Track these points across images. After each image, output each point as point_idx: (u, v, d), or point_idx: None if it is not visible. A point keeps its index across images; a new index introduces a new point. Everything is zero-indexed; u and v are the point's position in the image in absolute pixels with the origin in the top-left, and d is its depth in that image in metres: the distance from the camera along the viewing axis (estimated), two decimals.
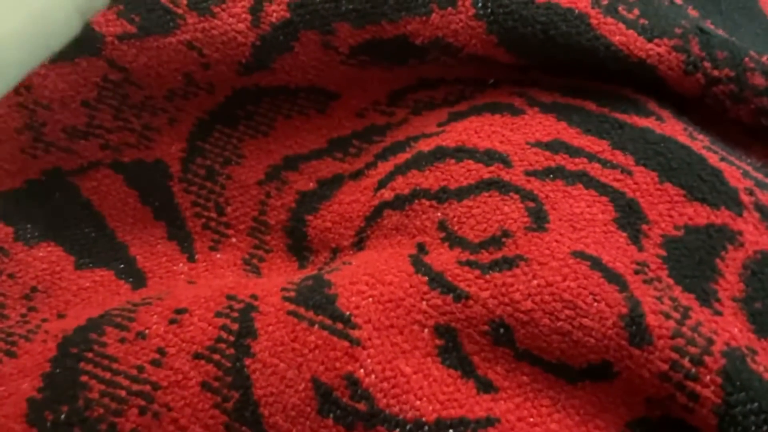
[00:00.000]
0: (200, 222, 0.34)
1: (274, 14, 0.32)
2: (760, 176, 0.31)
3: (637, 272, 0.26)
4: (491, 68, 0.33)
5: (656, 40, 0.31)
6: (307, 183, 0.34)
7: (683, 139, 0.31)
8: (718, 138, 0.33)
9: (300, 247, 0.33)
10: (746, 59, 0.32)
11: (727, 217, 0.28)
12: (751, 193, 0.29)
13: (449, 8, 0.32)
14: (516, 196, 0.29)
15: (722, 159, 0.30)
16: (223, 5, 0.33)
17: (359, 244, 0.32)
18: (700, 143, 0.31)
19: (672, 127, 0.31)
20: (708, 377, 0.24)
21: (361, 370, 0.26)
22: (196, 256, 0.34)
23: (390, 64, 0.33)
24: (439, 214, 0.29)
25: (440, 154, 0.31)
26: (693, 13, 0.35)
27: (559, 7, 0.31)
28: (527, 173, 0.30)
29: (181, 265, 0.33)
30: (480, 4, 0.32)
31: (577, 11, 0.31)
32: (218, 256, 0.34)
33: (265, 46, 0.32)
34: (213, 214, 0.34)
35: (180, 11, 0.33)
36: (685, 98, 0.33)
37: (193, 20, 0.33)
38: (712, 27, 0.35)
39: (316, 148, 0.34)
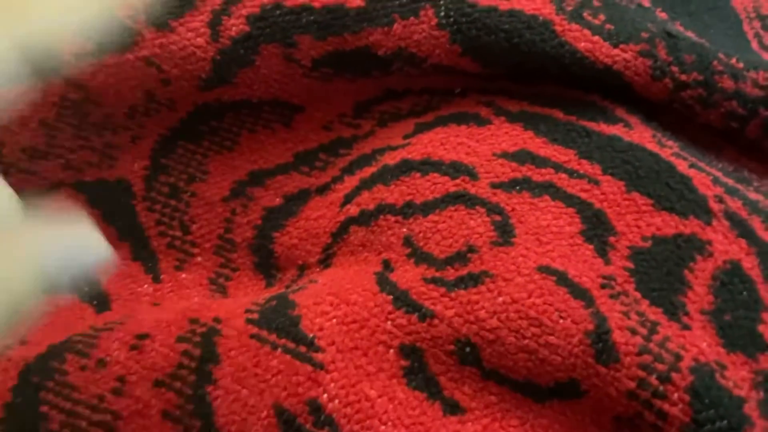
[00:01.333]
0: (165, 241, 0.34)
1: (233, 28, 0.32)
2: (730, 182, 0.30)
3: (603, 286, 0.26)
4: (457, 78, 0.33)
5: (622, 46, 0.31)
6: (273, 199, 0.33)
7: (652, 146, 0.30)
8: (688, 143, 0.32)
9: (267, 265, 0.33)
10: (714, 62, 0.31)
11: (696, 226, 0.27)
12: (720, 201, 0.28)
13: (411, 18, 0.31)
14: (482, 210, 0.28)
15: (692, 165, 0.30)
16: (181, 20, 0.32)
17: (326, 261, 0.31)
18: (669, 150, 0.30)
19: (640, 134, 0.31)
20: (676, 395, 0.24)
21: (325, 395, 0.25)
22: (161, 277, 0.33)
23: (354, 76, 0.33)
24: (404, 229, 0.29)
25: (405, 167, 0.30)
26: (662, 15, 0.34)
27: (522, 14, 0.31)
28: (493, 185, 0.29)
29: (145, 286, 0.33)
30: (443, 14, 0.31)
31: (541, 18, 0.31)
32: (183, 275, 0.33)
33: (225, 60, 0.32)
34: (178, 233, 0.33)
35: (138, 27, 0.32)
36: (654, 103, 0.32)
37: (151, 36, 0.32)
38: (681, 29, 0.35)
39: (282, 162, 0.34)
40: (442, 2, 0.31)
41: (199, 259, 0.33)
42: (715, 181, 0.29)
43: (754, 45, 0.38)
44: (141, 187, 0.34)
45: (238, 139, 0.34)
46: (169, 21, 0.32)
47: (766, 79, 0.32)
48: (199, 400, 0.26)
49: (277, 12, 0.32)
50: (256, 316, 0.27)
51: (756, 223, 0.28)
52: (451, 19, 0.31)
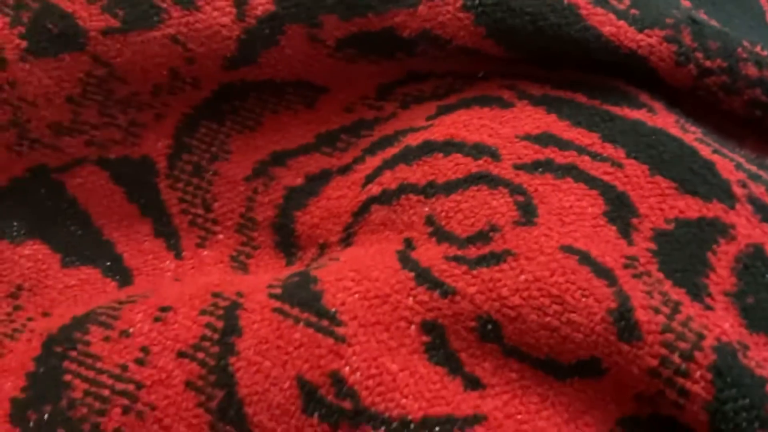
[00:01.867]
0: (187, 219, 0.34)
1: (260, 7, 0.32)
2: (753, 168, 0.30)
3: (626, 266, 0.26)
4: (481, 61, 0.33)
5: (647, 31, 0.31)
6: (294, 179, 0.33)
7: (675, 131, 0.30)
8: (711, 130, 0.32)
9: (288, 244, 0.33)
10: (739, 50, 0.31)
11: (719, 210, 0.27)
12: (744, 186, 0.28)
13: (436, 0, 0.31)
14: (504, 190, 0.28)
15: (714, 151, 0.30)
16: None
17: (347, 240, 0.31)
18: (692, 135, 0.30)
19: (664, 119, 0.31)
20: (698, 373, 0.24)
21: (347, 368, 0.25)
22: (183, 254, 0.33)
23: (378, 57, 0.33)
24: (426, 208, 0.29)
25: (428, 148, 0.30)
26: (685, 3, 0.34)
27: None
28: (516, 167, 0.29)
29: (168, 262, 0.33)
30: None
31: (566, 1, 0.31)
32: (205, 253, 0.33)
33: (250, 40, 0.32)
34: (200, 211, 0.34)
35: (164, 5, 0.32)
36: (678, 90, 0.32)
37: (177, 14, 0.32)
38: (705, 17, 0.35)
39: (304, 143, 0.34)
40: None
41: (220, 236, 0.34)
42: (738, 166, 0.29)
43: None
44: (164, 165, 0.34)
45: (261, 119, 0.34)
46: (195, 0, 0.32)
47: None
48: (221, 371, 0.26)
49: None
50: (278, 290, 0.27)
51: None
52: (476, 1, 0.31)
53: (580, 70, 0.32)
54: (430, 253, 0.28)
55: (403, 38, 0.32)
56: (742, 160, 0.30)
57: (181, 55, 0.32)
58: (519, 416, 0.25)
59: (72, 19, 0.33)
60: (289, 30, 0.32)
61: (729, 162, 0.29)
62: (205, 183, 0.34)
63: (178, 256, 0.33)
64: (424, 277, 0.27)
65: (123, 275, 0.33)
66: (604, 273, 0.26)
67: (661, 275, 0.26)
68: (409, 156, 0.31)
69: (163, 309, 0.28)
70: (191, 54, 0.32)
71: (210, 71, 0.33)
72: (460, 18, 0.31)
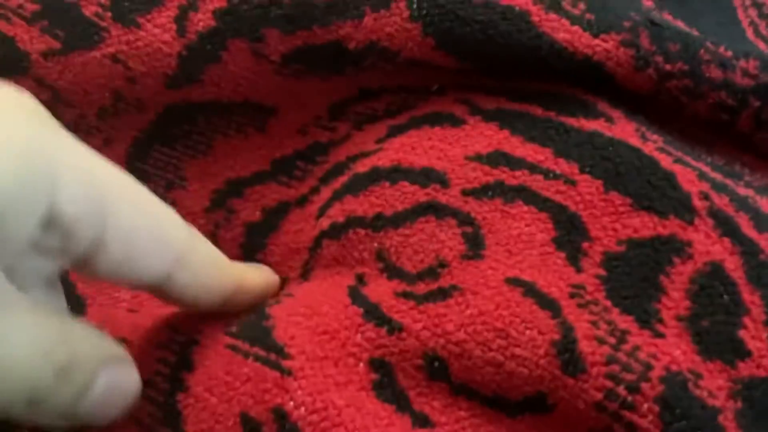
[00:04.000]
0: None
1: (200, 23, 0.31)
2: (718, 177, 0.29)
3: (572, 296, 0.25)
4: (434, 74, 0.31)
5: (603, 36, 0.29)
6: (252, 212, 0.32)
7: (634, 141, 0.29)
8: (677, 136, 0.31)
9: None
10: (701, 51, 0.30)
11: (676, 226, 0.26)
12: (705, 198, 0.27)
13: (382, 10, 0.30)
14: (452, 221, 0.27)
15: (676, 161, 0.28)
16: (147, 15, 0.31)
17: (304, 276, 0.30)
18: (652, 144, 0.29)
19: (622, 129, 0.29)
20: (645, 406, 0.23)
21: (291, 403, 0.25)
22: None
23: (326, 73, 0.32)
24: (375, 243, 0.28)
25: (375, 176, 0.29)
26: (647, 2, 0.33)
27: (497, 5, 0.29)
28: (465, 192, 0.28)
29: (122, 292, 0.32)
30: (415, 5, 0.30)
31: (517, 9, 0.29)
32: None
33: (192, 56, 0.31)
34: None
35: (104, 23, 0.31)
36: (640, 95, 0.31)
37: (117, 32, 0.31)
38: (669, 17, 0.33)
39: (259, 170, 0.33)
40: None
41: None
42: (702, 176, 0.28)
43: (750, 34, 0.36)
44: None
45: (211, 143, 0.33)
46: (136, 17, 0.31)
47: (756, 68, 0.30)
48: (169, 408, 0.26)
49: (245, 6, 0.31)
50: (234, 328, 0.27)
51: (743, 220, 0.27)
52: (424, 11, 0.30)
53: (537, 80, 0.31)
54: (380, 289, 0.27)
55: (350, 51, 0.31)
56: (707, 169, 0.29)
57: (123, 75, 0.32)
58: None
59: (13, 43, 0.32)
60: (231, 45, 0.31)
61: (691, 172, 0.28)
62: None
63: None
64: (373, 313, 0.26)
65: (75, 304, 0.32)
66: (548, 304, 0.25)
67: (608, 303, 0.25)
68: (356, 186, 0.30)
69: (117, 341, 0.28)
70: (132, 73, 0.31)
71: (153, 91, 0.32)
72: (408, 29, 0.30)
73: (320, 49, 0.31)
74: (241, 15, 0.31)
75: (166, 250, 0.24)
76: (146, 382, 0.26)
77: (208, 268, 0.26)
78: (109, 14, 0.31)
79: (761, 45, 0.34)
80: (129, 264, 0.23)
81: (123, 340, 0.28)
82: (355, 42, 0.30)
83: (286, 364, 0.25)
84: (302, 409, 0.25)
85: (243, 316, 0.28)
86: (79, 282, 0.33)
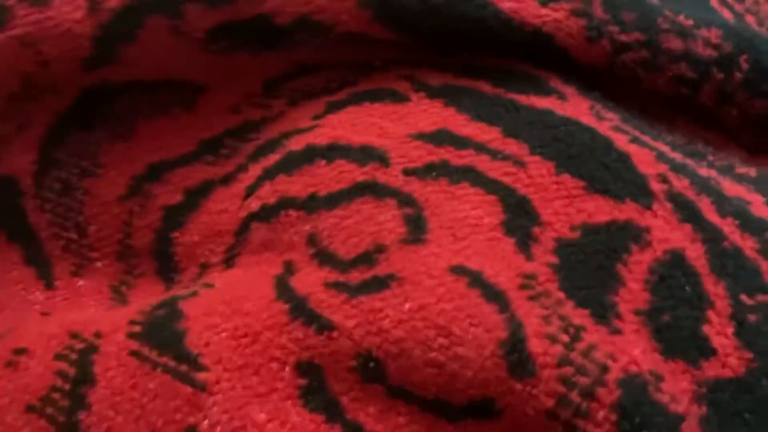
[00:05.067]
0: (60, 244, 0.30)
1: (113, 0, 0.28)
2: (678, 157, 0.27)
3: (522, 287, 0.22)
4: (374, 49, 0.29)
5: (552, 5, 0.27)
6: (173, 195, 0.30)
7: (587, 119, 0.26)
8: (636, 114, 0.29)
9: (167, 269, 0.29)
10: (659, 20, 0.28)
11: (633, 210, 0.24)
12: (663, 180, 0.25)
13: None
14: (392, 202, 0.25)
15: (633, 140, 0.26)
16: None
17: (228, 262, 0.28)
18: (607, 123, 0.27)
19: (575, 107, 0.27)
20: (601, 413, 0.20)
21: (205, 422, 0.22)
22: (56, 283, 0.30)
23: (256, 49, 0.29)
24: (307, 226, 0.25)
25: (310, 154, 0.27)
26: None
27: None
28: (406, 172, 0.26)
29: (37, 293, 0.30)
30: None
31: None
32: (81, 282, 0.30)
33: (106, 36, 0.28)
34: (74, 235, 0.30)
35: (10, 3, 0.28)
36: (594, 70, 0.28)
37: (24, 12, 0.28)
38: None
39: (185, 152, 0.30)
40: None
41: (99, 264, 0.30)
42: (660, 156, 0.26)
43: (714, 2, 0.34)
44: (30, 183, 0.30)
45: (134, 126, 0.30)
46: None
47: (719, 38, 0.28)
48: (71, 430, 0.23)
49: None
50: (138, 329, 0.24)
51: (704, 204, 0.25)
52: None
53: (484, 54, 0.28)
54: (310, 279, 0.24)
55: (279, 26, 0.28)
56: (665, 149, 0.27)
57: (33, 59, 0.29)
58: None
59: None
60: (148, 23, 0.28)
61: (649, 152, 0.26)
62: (77, 203, 0.30)
63: (49, 285, 0.30)
64: (300, 309, 0.24)
65: None
66: (495, 296, 0.22)
67: (561, 294, 0.22)
68: (290, 164, 0.27)
69: (18, 352, 0.25)
70: (43, 56, 0.28)
71: (67, 75, 0.29)
72: (342, 0, 0.27)
73: (247, 24, 0.28)
74: None
75: None
76: (45, 399, 0.24)
77: None
78: None
79: (726, 13, 0.32)
80: None
81: (24, 351, 0.25)
82: (284, 16, 0.28)
83: (200, 376, 0.23)
84: (218, 428, 0.22)
85: (148, 309, 0.25)
86: None
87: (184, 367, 0.23)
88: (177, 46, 0.29)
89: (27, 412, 0.24)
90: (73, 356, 0.24)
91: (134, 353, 0.24)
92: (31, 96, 0.30)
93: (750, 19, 0.35)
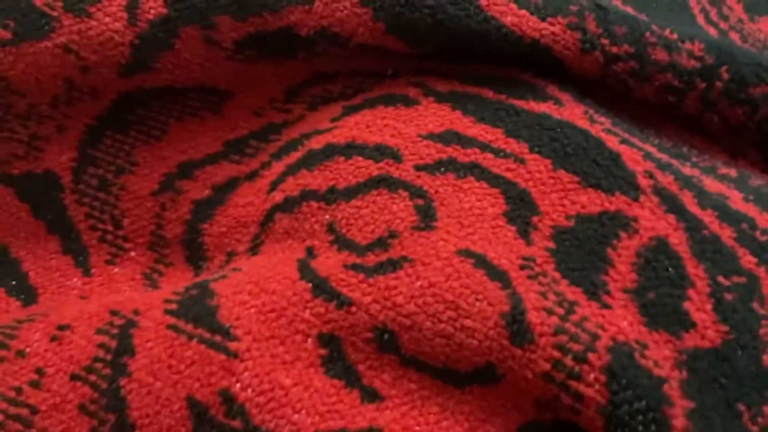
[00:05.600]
0: (96, 235, 0.33)
1: (151, 11, 0.31)
2: (664, 157, 0.29)
3: (522, 267, 0.25)
4: (387, 58, 0.32)
5: (550, 19, 0.30)
6: (201, 191, 0.32)
7: (581, 123, 0.29)
8: (626, 119, 0.32)
9: (196, 257, 0.32)
10: (647, 34, 0.30)
11: (622, 202, 0.27)
12: (650, 176, 0.28)
13: None
14: (405, 194, 0.28)
15: (622, 141, 0.29)
16: (99, 5, 0.31)
17: (254, 250, 0.30)
18: (599, 126, 0.29)
19: (571, 111, 0.30)
20: (592, 375, 0.23)
21: (238, 385, 0.24)
22: (92, 271, 0.32)
23: (280, 58, 0.32)
24: (327, 216, 0.28)
25: (330, 151, 0.30)
26: None
27: None
28: (417, 168, 0.28)
29: (75, 279, 0.32)
30: None
31: None
32: (116, 270, 0.32)
33: (144, 45, 0.31)
34: (109, 227, 0.33)
35: (55, 14, 0.31)
36: (588, 79, 0.31)
37: (68, 22, 0.31)
38: (618, 2, 0.34)
39: (212, 152, 0.33)
40: None
41: (132, 254, 0.33)
42: (647, 156, 0.29)
43: (700, 20, 0.37)
44: (69, 180, 0.33)
45: (166, 128, 0.33)
46: (86, 6, 0.31)
47: (702, 50, 0.31)
48: (113, 394, 0.25)
49: None
50: (174, 306, 0.27)
51: (687, 197, 0.27)
52: None
53: (487, 64, 0.31)
54: (330, 262, 0.27)
55: (302, 37, 0.31)
56: (653, 150, 0.30)
57: (75, 65, 0.31)
58: (417, 428, 0.24)
59: None
60: (183, 33, 0.31)
61: (637, 152, 0.29)
62: (113, 198, 0.33)
63: (86, 273, 0.32)
64: (322, 288, 0.26)
65: (27, 294, 0.32)
66: (498, 275, 0.25)
67: (557, 275, 0.25)
68: (311, 161, 0.30)
69: (61, 327, 0.27)
70: (85, 62, 0.31)
71: (106, 79, 0.32)
72: (358, 14, 0.30)
73: (272, 36, 0.31)
74: (193, 2, 0.31)
75: None
76: (88, 369, 0.26)
77: None
78: (60, 4, 0.31)
79: (712, 30, 0.35)
80: None
81: (67, 327, 0.27)
82: (307, 28, 0.30)
83: (232, 346, 0.25)
84: (249, 390, 0.24)
85: (182, 290, 0.27)
86: (31, 272, 0.32)
87: (218, 338, 0.25)
88: (208, 54, 0.31)
89: (72, 380, 0.26)
90: (114, 330, 0.27)
91: (171, 327, 0.26)
92: (72, 99, 0.32)
93: (734, 36, 0.38)
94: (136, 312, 0.27)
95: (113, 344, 0.26)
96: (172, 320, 0.26)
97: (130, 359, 0.26)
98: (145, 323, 0.26)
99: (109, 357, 0.26)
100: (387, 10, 0.30)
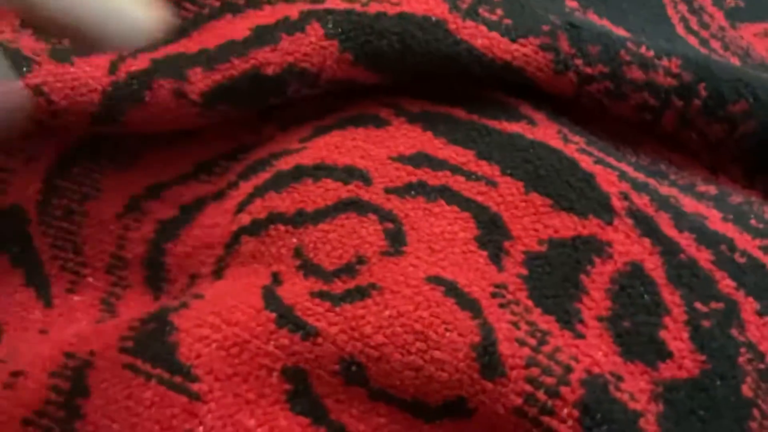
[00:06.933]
0: (57, 264, 0.32)
1: (134, 66, 0.30)
2: (640, 177, 0.29)
3: (494, 295, 0.24)
4: (358, 94, 0.31)
5: (521, 40, 0.29)
6: (168, 210, 0.31)
7: (555, 142, 0.29)
8: (603, 137, 0.31)
9: (156, 278, 0.31)
10: (622, 52, 0.30)
11: (596, 226, 0.26)
12: (625, 198, 0.27)
13: (298, 33, 0.30)
14: (374, 217, 0.27)
15: (597, 161, 0.28)
16: (86, 58, 0.30)
17: (218, 273, 0.29)
18: (573, 146, 0.29)
19: (544, 131, 0.29)
20: (565, 411, 0.22)
21: (200, 428, 0.23)
22: (53, 301, 0.31)
23: (250, 107, 0.31)
24: (294, 239, 0.27)
25: (298, 173, 0.29)
26: (571, 3, 0.33)
27: (413, 16, 0.29)
28: (387, 190, 0.28)
29: (36, 312, 0.31)
30: (330, 25, 0.30)
31: (433, 18, 0.29)
32: (76, 298, 0.31)
33: (116, 94, 0.30)
34: (70, 255, 0.32)
35: (38, 59, 0.31)
36: (564, 98, 0.31)
37: (48, 66, 0.30)
38: (595, 17, 0.33)
39: (182, 173, 0.32)
40: (329, 16, 0.30)
41: (90, 279, 0.32)
42: (622, 176, 0.28)
43: (680, 30, 0.36)
44: (35, 212, 0.32)
45: (139, 153, 0.32)
46: (73, 57, 0.30)
47: (679, 67, 0.30)
48: None
49: (177, 53, 0.30)
50: (130, 344, 0.26)
51: (663, 219, 0.27)
52: (339, 29, 0.29)
53: (459, 84, 0.30)
54: (296, 289, 0.26)
55: (270, 78, 0.30)
56: (628, 169, 0.29)
57: (45, 108, 0.30)
58: None
59: None
60: (156, 84, 0.30)
61: (612, 172, 0.28)
62: (75, 226, 0.32)
63: (47, 304, 0.31)
64: (287, 317, 0.25)
65: None
66: (469, 304, 0.24)
67: (530, 303, 0.24)
68: (279, 182, 0.29)
69: (15, 374, 0.26)
70: (55, 107, 0.30)
71: (77, 124, 0.31)
72: (324, 46, 0.30)
73: (239, 81, 0.30)
74: (173, 59, 0.30)
75: None
76: (40, 412, 0.25)
77: None
78: (47, 53, 0.31)
79: (692, 39, 0.35)
80: None
81: (21, 373, 0.26)
82: (273, 66, 0.30)
83: (194, 387, 0.24)
84: None
85: (137, 324, 0.26)
86: None
87: (178, 378, 0.24)
88: (177, 110, 0.30)
89: (24, 425, 0.25)
90: (68, 372, 0.26)
91: (128, 366, 0.25)
92: (42, 134, 0.32)
93: (715, 44, 0.37)
94: (92, 353, 0.26)
95: (66, 386, 0.25)
96: (129, 359, 0.25)
97: (84, 400, 0.25)
98: (101, 363, 0.25)
99: (61, 399, 0.25)
100: (353, 39, 0.29)
